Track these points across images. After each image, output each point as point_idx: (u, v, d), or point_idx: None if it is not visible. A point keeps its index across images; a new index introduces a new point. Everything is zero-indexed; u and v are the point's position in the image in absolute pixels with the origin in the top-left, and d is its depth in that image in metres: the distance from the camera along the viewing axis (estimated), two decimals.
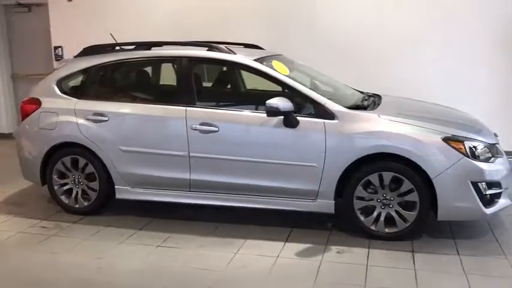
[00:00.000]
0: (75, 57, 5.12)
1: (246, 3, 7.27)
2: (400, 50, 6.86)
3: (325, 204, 4.29)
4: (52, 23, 8.07)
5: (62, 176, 4.92)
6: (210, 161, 4.45)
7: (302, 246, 4.15)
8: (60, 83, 4.95)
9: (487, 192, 4.07)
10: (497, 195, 4.17)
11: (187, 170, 4.51)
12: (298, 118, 4.23)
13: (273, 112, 4.15)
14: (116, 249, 4.18)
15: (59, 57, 8.13)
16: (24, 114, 5.01)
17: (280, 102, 4.12)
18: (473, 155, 4.05)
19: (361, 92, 5.29)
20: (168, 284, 3.60)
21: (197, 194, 4.58)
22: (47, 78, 5.11)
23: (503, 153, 4.34)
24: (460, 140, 4.07)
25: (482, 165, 4.03)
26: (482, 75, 6.66)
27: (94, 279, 3.69)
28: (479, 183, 4.02)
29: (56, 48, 8.14)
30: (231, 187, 4.46)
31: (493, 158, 4.15)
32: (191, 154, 4.47)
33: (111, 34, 5.43)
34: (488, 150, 4.15)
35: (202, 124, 4.41)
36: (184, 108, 4.48)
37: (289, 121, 4.21)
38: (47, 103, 4.91)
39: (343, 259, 3.92)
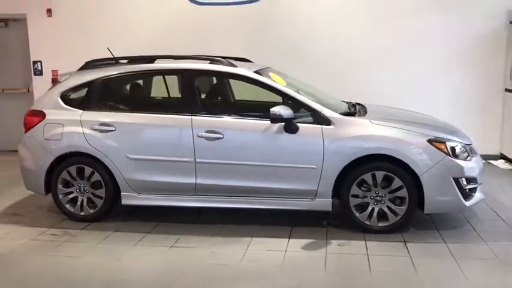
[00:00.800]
0: (78, 70, 5.29)
1: (225, 19, 7.70)
2: (371, 63, 7.51)
3: (324, 203, 4.70)
4: (31, 38, 8.18)
5: (67, 184, 5.09)
6: (215, 166, 4.78)
7: (305, 241, 4.53)
8: (64, 96, 5.13)
9: (466, 187, 4.61)
10: (474, 190, 4.72)
11: (193, 175, 4.81)
12: (298, 124, 4.64)
13: (276, 119, 4.54)
14: (132, 251, 4.42)
15: (38, 72, 8.23)
16: (28, 126, 5.16)
17: (282, 110, 4.52)
18: (454, 154, 4.58)
19: (343, 101, 5.75)
20: (194, 278, 3.90)
21: (202, 197, 4.88)
22: (51, 91, 5.29)
23: (477, 153, 4.90)
24: (442, 141, 4.59)
25: (462, 163, 4.57)
26: (444, 86, 7.42)
27: (121, 278, 3.93)
28: (459, 179, 4.55)
29: (34, 62, 8.24)
30: (235, 190, 4.79)
31: (469, 157, 4.70)
32: (197, 160, 4.77)
33: (108, 48, 5.65)
34: (465, 150, 4.70)
35: (208, 132, 4.74)
36: (189, 117, 4.79)
37: (290, 127, 4.61)
38: (51, 115, 5.08)
39: (345, 251, 4.34)
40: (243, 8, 7.68)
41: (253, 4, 7.63)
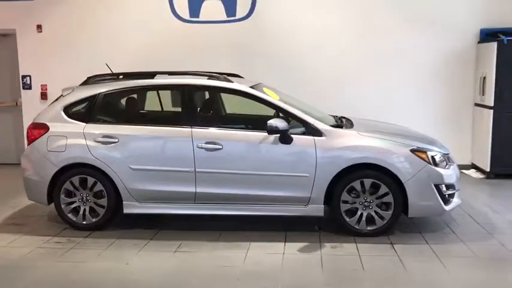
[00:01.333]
0: (80, 85, 5.52)
1: (214, 34, 8.06)
2: (350, 78, 7.99)
3: (316, 209, 5.05)
4: (20, 53, 8.33)
5: (69, 194, 5.29)
6: (214, 175, 5.07)
7: (300, 244, 4.86)
8: (67, 109, 5.35)
9: (446, 193, 5.03)
10: (452, 195, 5.14)
11: (193, 184, 5.09)
12: (292, 136, 4.99)
13: (273, 131, 4.88)
14: (138, 255, 4.66)
15: (26, 86, 8.38)
16: (32, 139, 5.35)
17: (278, 123, 4.87)
18: (434, 163, 5.00)
19: (330, 115, 6.13)
20: (202, 277, 4.18)
21: (201, 205, 5.16)
22: (53, 105, 5.49)
23: (454, 162, 5.34)
24: (423, 151, 5.02)
25: (442, 171, 4.99)
26: (419, 100, 7.96)
27: (133, 278, 4.18)
28: (440, 186, 4.97)
29: (23, 77, 8.38)
30: (233, 198, 5.10)
31: (447, 165, 5.13)
32: (197, 170, 5.06)
33: (106, 64, 5.92)
34: (444, 159, 5.13)
35: (207, 143, 5.04)
36: (190, 129, 5.09)
37: (285, 138, 4.96)
38: (55, 128, 5.28)
39: (338, 252, 4.69)
40: (231, 25, 8.05)
41: (241, 22, 8.01)
